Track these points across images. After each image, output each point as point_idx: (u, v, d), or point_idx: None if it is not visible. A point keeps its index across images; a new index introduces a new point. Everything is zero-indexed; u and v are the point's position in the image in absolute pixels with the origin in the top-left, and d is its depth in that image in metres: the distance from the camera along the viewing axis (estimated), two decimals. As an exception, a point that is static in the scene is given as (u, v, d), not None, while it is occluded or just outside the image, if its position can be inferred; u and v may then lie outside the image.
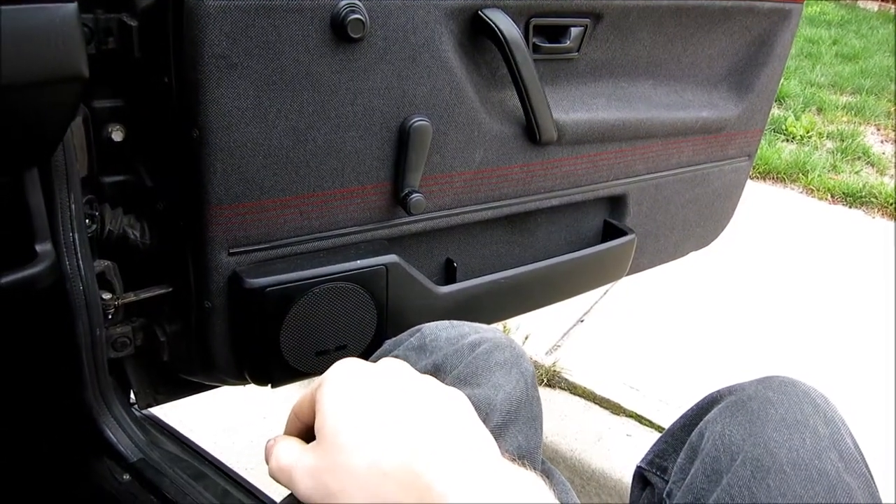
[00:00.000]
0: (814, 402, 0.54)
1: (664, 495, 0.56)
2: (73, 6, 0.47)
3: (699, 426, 0.56)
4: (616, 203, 1.13)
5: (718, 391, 0.59)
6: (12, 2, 0.44)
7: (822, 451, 0.49)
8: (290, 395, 1.58)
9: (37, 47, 0.46)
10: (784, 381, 0.56)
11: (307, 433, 0.46)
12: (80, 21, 0.48)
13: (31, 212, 0.60)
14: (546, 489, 0.38)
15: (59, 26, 0.46)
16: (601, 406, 1.59)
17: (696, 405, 0.61)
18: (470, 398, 0.47)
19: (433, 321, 0.70)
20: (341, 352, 0.80)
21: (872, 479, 0.51)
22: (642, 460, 0.63)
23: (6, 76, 0.44)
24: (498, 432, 0.50)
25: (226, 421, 1.51)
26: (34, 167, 0.59)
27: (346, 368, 0.45)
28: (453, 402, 0.45)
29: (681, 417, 0.62)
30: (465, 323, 0.66)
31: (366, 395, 0.43)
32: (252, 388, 1.59)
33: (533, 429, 0.54)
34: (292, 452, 0.43)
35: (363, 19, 0.67)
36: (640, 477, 0.63)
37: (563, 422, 1.53)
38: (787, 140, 3.68)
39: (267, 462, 0.45)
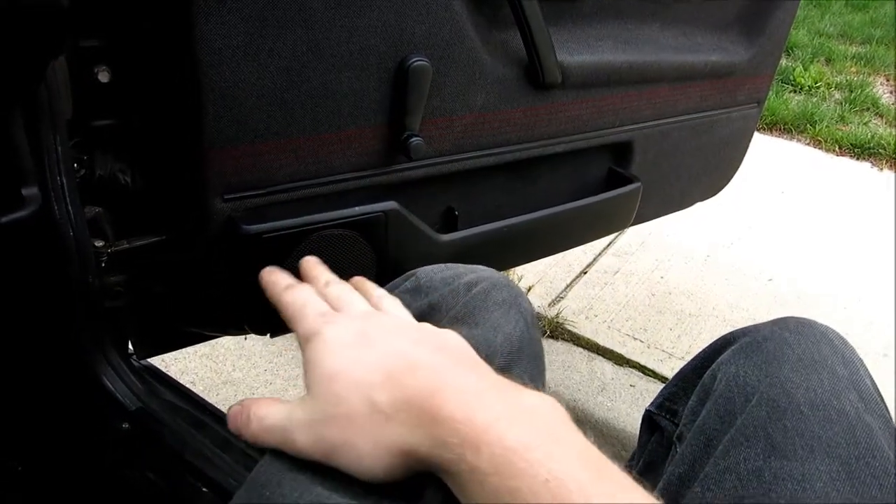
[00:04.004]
0: (831, 342, 0.52)
1: (674, 438, 0.55)
2: (43, -76, 0.44)
3: (711, 368, 0.55)
4: (621, 150, 1.10)
5: (731, 333, 0.57)
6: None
7: (841, 391, 0.48)
8: (290, 346, 1.58)
9: None
10: (800, 321, 0.55)
11: None
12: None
13: (16, 154, 0.57)
14: (559, 405, 0.36)
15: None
16: (604, 357, 1.59)
17: (709, 347, 0.59)
18: (468, 339, 0.45)
19: None
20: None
21: (891, 420, 0.50)
22: (651, 404, 0.62)
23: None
24: (501, 373, 0.49)
25: (226, 374, 1.52)
26: (16, 105, 0.56)
27: (338, 321, 0.44)
28: (450, 339, 0.44)
29: (692, 360, 0.61)
30: (460, 265, 0.64)
31: (355, 340, 0.42)
32: (252, 342, 1.60)
33: (537, 369, 0.52)
34: (279, 410, 0.41)
35: None
36: (649, 421, 0.62)
37: (566, 372, 1.53)
38: (795, 91, 3.62)
39: (237, 429, 0.43)
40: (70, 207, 0.65)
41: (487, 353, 0.48)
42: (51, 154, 0.62)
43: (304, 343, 0.44)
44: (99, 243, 0.71)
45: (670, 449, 0.56)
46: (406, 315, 0.50)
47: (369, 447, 0.37)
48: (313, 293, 0.51)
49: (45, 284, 0.70)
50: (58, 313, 0.72)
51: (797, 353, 0.50)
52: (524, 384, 0.39)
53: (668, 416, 0.59)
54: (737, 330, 0.57)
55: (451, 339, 0.43)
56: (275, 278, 0.55)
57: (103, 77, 0.68)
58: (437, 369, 0.38)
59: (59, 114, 0.61)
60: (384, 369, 0.38)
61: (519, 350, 0.51)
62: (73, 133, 0.67)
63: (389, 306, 0.51)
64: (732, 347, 0.54)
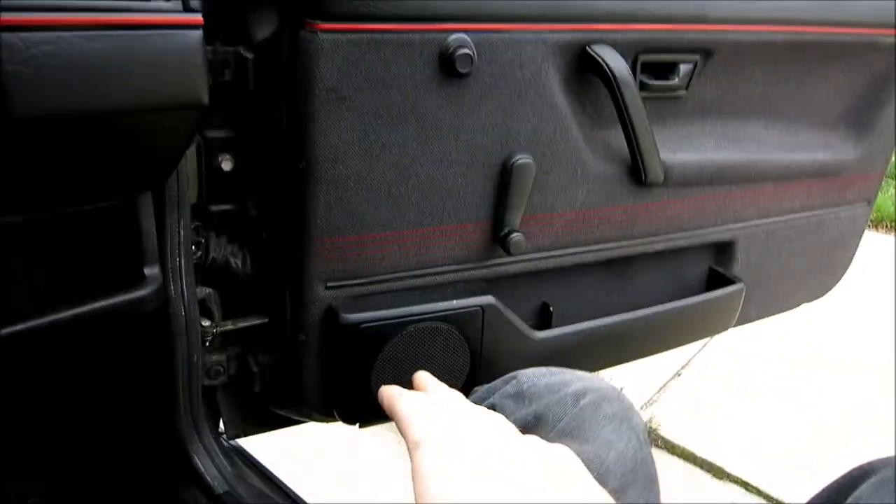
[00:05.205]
0: None
1: None
2: (198, 33, 0.48)
3: (848, 502, 0.49)
4: (723, 249, 1.07)
5: (869, 463, 0.52)
6: (141, 27, 0.45)
7: None
8: (373, 433, 1.56)
9: (161, 72, 0.47)
10: None
11: None
12: (204, 48, 0.49)
13: (143, 235, 0.61)
14: None
15: (185, 53, 0.47)
16: (703, 469, 1.48)
17: (842, 478, 0.53)
18: (578, 454, 0.43)
19: (528, 367, 0.67)
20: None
21: None
22: None
23: (130, 100, 0.45)
24: (616, 497, 0.45)
25: (308, 454, 1.51)
26: (149, 191, 0.60)
27: (444, 431, 0.43)
28: (563, 461, 0.41)
29: (822, 491, 0.55)
30: (564, 370, 0.62)
31: (468, 461, 0.40)
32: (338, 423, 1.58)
33: (653, 493, 0.49)
34: None
35: (471, 54, 0.66)
36: None
37: (661, 484, 1.44)
38: (901, 188, 3.44)
39: None
40: (185, 288, 0.68)
41: (599, 472, 0.45)
42: (174, 236, 0.65)
43: (412, 450, 0.42)
44: (206, 323, 0.74)
45: None
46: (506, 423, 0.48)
47: None
48: (423, 401, 0.50)
49: (153, 360, 0.72)
50: (160, 389, 0.74)
51: None
52: None
53: None
54: (874, 460, 0.51)
55: (563, 458, 0.41)
56: (390, 391, 0.56)
57: (226, 165, 0.72)
58: (553, 495, 0.35)
59: (185, 199, 0.65)
60: (499, 495, 0.36)
61: (633, 471, 0.48)
62: (193, 216, 0.71)
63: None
64: (871, 480, 0.48)
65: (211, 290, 0.74)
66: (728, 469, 1.48)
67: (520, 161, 0.74)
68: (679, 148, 0.92)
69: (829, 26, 0.94)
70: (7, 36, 0.40)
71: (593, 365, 0.95)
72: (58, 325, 0.58)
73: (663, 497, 1.44)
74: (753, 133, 1.02)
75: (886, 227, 3.00)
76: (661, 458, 1.51)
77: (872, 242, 2.83)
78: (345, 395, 0.77)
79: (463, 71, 0.66)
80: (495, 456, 0.41)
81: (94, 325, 0.62)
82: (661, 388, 1.76)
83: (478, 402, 0.62)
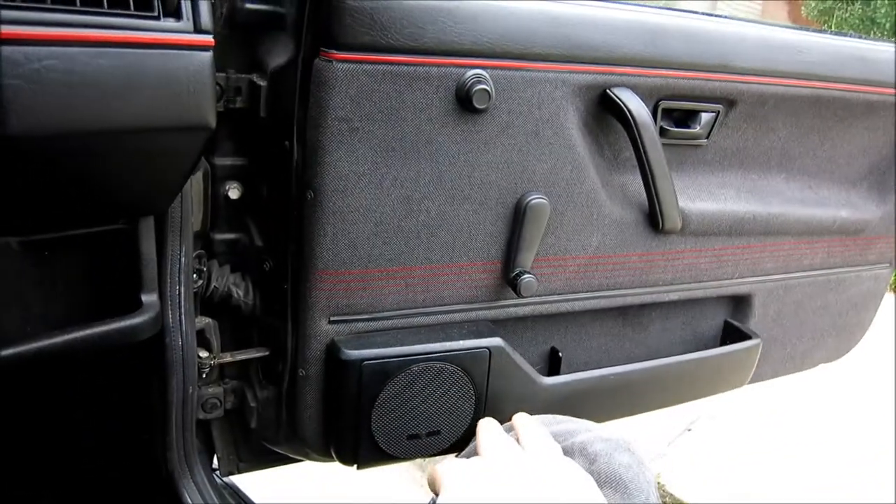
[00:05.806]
0: None
1: None
2: (208, 55, 0.47)
3: None
4: (740, 303, 1.04)
5: None
6: (150, 45, 0.44)
7: None
8: (376, 477, 1.52)
9: (168, 93, 0.46)
10: None
11: None
12: (213, 69, 0.48)
13: (143, 261, 0.59)
14: None
15: (193, 74, 0.46)
16: (710, 529, 1.43)
17: None
18: None
19: (534, 414, 0.64)
20: (433, 438, 0.75)
21: None
22: None
23: (134, 120, 0.44)
24: None
25: (305, 493, 1.46)
26: (151, 216, 0.59)
27: (463, 482, 0.41)
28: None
29: None
30: (571, 418, 0.60)
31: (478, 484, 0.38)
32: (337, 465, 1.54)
33: None
34: None
35: (489, 90, 0.65)
36: None
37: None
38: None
39: None
40: (183, 317, 0.66)
41: None
42: (174, 264, 0.64)
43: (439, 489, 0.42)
44: (203, 354, 0.72)
45: None
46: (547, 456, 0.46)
47: None
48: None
49: (147, 390, 0.70)
50: (153, 420, 0.71)
51: None
52: None
53: None
54: None
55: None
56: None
57: (233, 193, 0.71)
58: None
59: (188, 226, 0.64)
60: None
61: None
62: (196, 244, 0.69)
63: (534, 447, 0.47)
64: None
65: (210, 320, 0.72)
66: (739, 533, 1.42)
67: (534, 200, 0.72)
68: (698, 196, 0.90)
69: (853, 84, 0.94)
70: (8, 49, 0.39)
71: (602, 415, 0.92)
72: (49, 349, 0.56)
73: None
74: (774, 186, 1.00)
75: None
76: (669, 518, 1.46)
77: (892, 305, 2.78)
78: (343, 434, 0.74)
79: (480, 107, 0.65)
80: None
81: (86, 351, 0.60)
82: (670, 443, 1.71)
83: None
